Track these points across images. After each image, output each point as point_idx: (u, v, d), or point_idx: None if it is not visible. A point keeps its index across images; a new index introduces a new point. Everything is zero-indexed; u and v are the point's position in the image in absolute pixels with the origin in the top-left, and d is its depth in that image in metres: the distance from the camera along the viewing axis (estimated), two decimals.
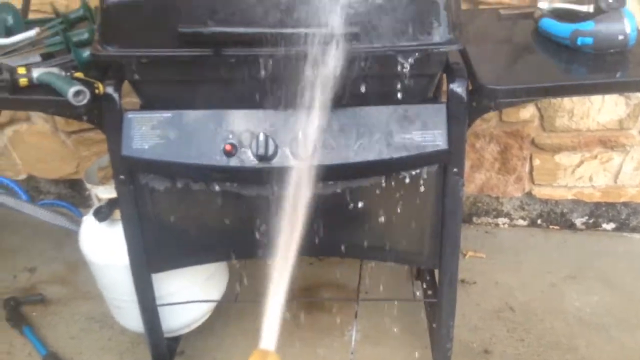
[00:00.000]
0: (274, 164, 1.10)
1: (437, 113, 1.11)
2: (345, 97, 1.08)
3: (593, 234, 2.04)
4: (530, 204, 2.04)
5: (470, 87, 1.10)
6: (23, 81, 1.11)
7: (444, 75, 1.13)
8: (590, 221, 2.04)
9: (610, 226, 2.04)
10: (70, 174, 2.20)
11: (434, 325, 1.48)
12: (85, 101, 1.06)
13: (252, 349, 1.57)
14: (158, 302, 1.39)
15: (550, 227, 2.07)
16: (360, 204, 1.19)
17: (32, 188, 2.28)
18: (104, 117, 1.14)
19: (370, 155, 1.10)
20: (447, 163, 1.15)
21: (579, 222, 2.05)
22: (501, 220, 2.09)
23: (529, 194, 2.02)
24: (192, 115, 1.13)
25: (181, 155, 1.12)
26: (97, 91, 1.09)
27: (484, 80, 1.07)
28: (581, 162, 1.91)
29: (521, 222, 2.08)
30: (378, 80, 1.06)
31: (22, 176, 2.24)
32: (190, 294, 1.47)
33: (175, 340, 1.61)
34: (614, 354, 1.59)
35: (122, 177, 1.19)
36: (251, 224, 1.22)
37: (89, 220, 1.43)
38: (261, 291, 1.65)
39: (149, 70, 1.08)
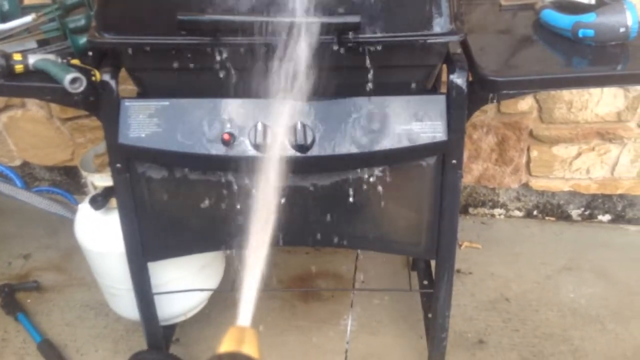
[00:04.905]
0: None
1: (436, 104, 1.10)
2: (344, 87, 1.08)
3: (589, 225, 2.05)
4: (527, 195, 2.04)
5: (470, 78, 1.09)
6: (19, 67, 1.10)
7: (444, 66, 1.12)
8: (587, 213, 2.04)
9: (606, 218, 2.04)
10: (65, 160, 2.19)
11: (430, 315, 1.48)
12: (81, 88, 1.05)
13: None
14: (154, 290, 1.39)
15: (546, 218, 2.07)
16: (358, 195, 1.18)
17: (27, 174, 2.27)
18: (100, 104, 1.13)
19: (369, 146, 1.09)
20: (445, 154, 1.14)
21: (575, 213, 2.05)
22: (497, 211, 2.09)
23: (526, 185, 2.02)
24: (189, 104, 1.11)
25: (178, 144, 1.11)
26: (93, 78, 1.08)
27: (485, 72, 1.06)
28: (579, 154, 1.91)
29: (517, 213, 2.09)
30: (377, 70, 1.05)
31: (17, 162, 2.23)
32: (186, 282, 1.47)
33: (171, 327, 1.61)
34: (607, 346, 1.60)
35: (118, 165, 1.18)
36: (246, 214, 1.21)
37: (84, 208, 1.42)
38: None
39: (146, 57, 1.06)
